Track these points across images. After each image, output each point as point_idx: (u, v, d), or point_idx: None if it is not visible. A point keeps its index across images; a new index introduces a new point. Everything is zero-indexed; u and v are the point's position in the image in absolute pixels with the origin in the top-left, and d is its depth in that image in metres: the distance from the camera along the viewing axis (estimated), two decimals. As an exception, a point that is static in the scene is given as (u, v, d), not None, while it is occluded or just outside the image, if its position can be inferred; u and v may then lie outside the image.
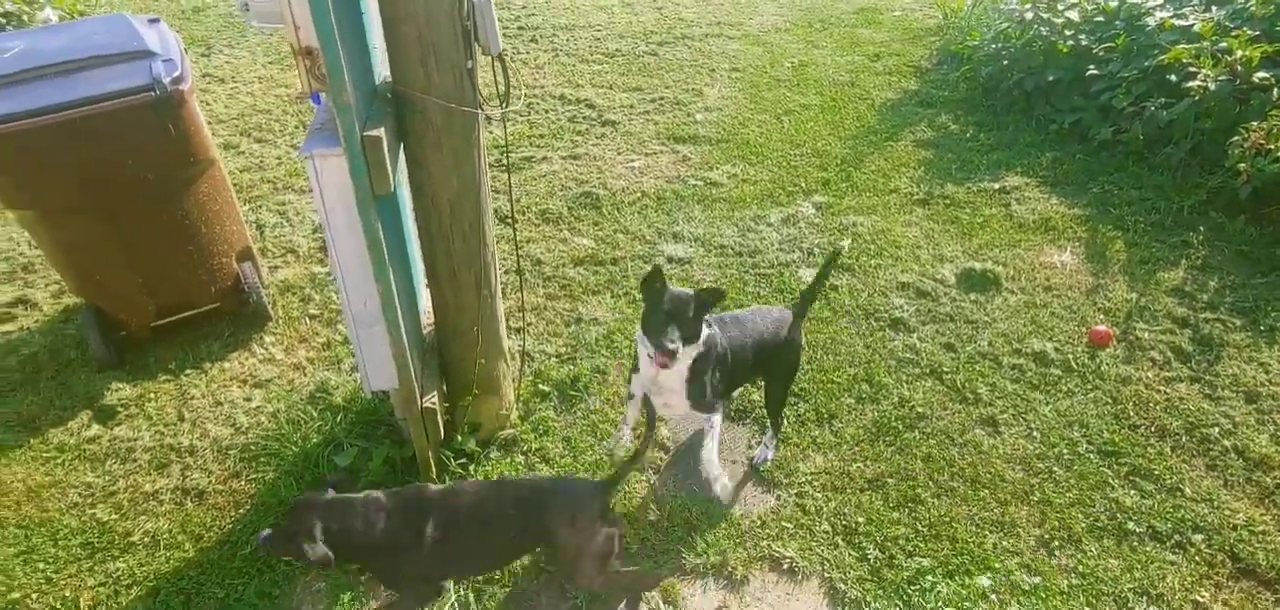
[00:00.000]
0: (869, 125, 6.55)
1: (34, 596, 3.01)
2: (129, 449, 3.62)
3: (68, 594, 3.01)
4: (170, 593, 3.01)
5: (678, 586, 3.02)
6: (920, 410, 3.79)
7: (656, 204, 5.53)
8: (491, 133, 6.52)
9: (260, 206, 5.39)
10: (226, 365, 4.09)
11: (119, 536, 3.23)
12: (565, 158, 6.17)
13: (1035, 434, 3.67)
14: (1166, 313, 4.30)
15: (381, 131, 2.48)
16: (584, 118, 6.82)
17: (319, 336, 4.29)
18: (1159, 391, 3.85)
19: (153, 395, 3.90)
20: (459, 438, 3.35)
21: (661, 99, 7.11)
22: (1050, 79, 6.16)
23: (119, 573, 3.10)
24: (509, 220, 5.34)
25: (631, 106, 6.99)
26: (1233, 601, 2.98)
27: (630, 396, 3.33)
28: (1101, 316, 4.32)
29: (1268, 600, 2.99)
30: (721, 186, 5.72)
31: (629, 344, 4.22)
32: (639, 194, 5.63)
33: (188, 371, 4.05)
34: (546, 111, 6.96)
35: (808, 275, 4.72)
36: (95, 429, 3.71)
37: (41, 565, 3.12)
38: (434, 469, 3.23)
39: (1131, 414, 3.75)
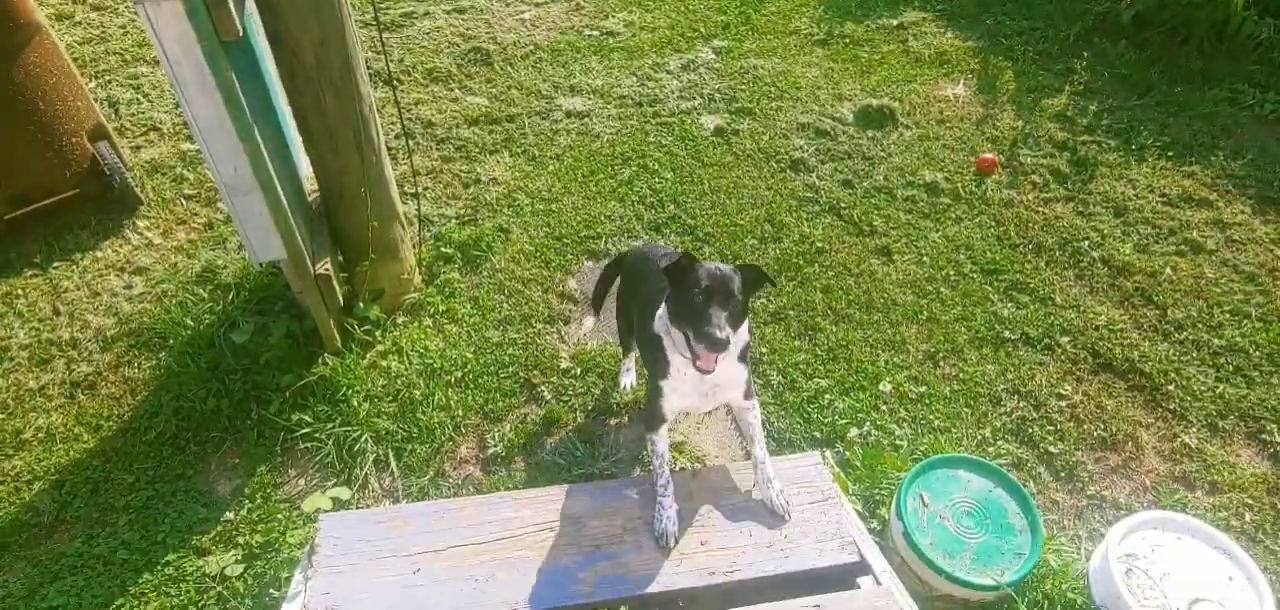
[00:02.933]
0: (771, -35, 6.38)
1: (-86, 506, 2.83)
2: (3, 348, 3.36)
3: (-46, 500, 2.85)
4: (76, 484, 2.90)
5: (590, 425, 3.11)
6: (819, 245, 3.92)
7: (551, 57, 5.30)
8: None
9: (110, 82, 4.86)
10: (99, 254, 3.79)
11: (10, 435, 3.06)
12: (449, 11, 5.78)
13: (925, 259, 3.87)
14: (1048, 138, 4.51)
15: (225, -32, 2.23)
16: (472, -33, 6.35)
17: (199, 217, 4.01)
18: (1038, 212, 4.10)
19: (20, 292, 3.60)
20: (361, 305, 3.25)
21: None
22: (947, -91, 6.10)
23: (17, 470, 2.96)
24: (392, 81, 5.04)
25: (523, -46, 6.54)
26: (1091, 391, 3.31)
27: (658, 422, 2.46)
28: (989, 145, 4.50)
29: (1121, 388, 3.34)
30: (618, 35, 5.51)
31: (530, 202, 4.14)
32: (532, 47, 5.37)
33: (56, 264, 3.73)
34: (432, -38, 6.43)
35: (709, 121, 4.69)
36: (-45, 332, 3.42)
37: (-82, 474, 2.93)
38: (338, 338, 3.15)
39: (1012, 234, 3.99)
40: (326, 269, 2.96)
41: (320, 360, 3.10)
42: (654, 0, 5.87)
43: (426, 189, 4.21)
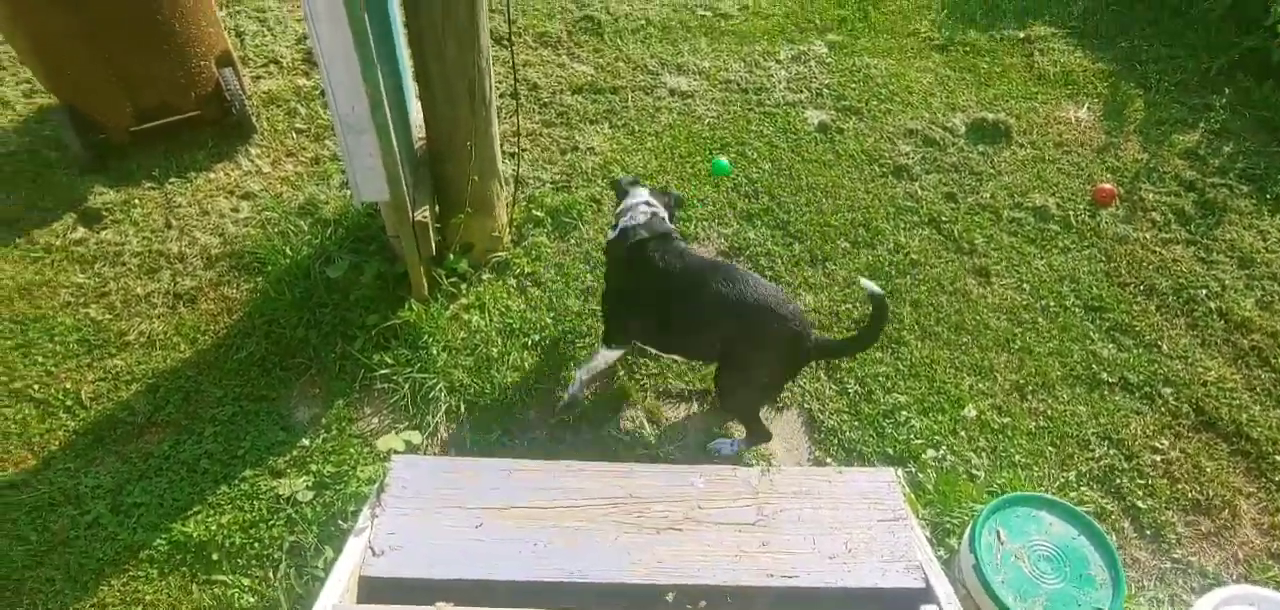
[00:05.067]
0: (891, -39, 6.14)
1: (35, 387, 3.08)
2: (117, 253, 3.60)
3: (68, 386, 3.09)
4: (169, 390, 3.09)
5: (661, 409, 3.11)
6: (915, 257, 3.78)
7: (661, 33, 5.26)
8: None
9: (239, 12, 5.10)
10: (212, 176, 4.01)
11: (114, 335, 3.28)
12: (567, -23, 5.81)
13: (1025, 286, 3.68)
14: (1174, 175, 4.21)
15: (361, -89, 2.28)
16: (588, -65, 6.36)
17: (306, 151, 4.18)
18: (1154, 252, 3.83)
19: (137, 201, 3.85)
20: (451, 257, 3.33)
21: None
22: (1090, -82, 5.72)
23: (117, 369, 3.16)
24: (505, 40, 5.11)
25: (639, -75, 6.51)
26: (1190, 450, 3.10)
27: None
28: (1108, 175, 4.23)
29: (1223, 450, 3.11)
30: (731, 18, 5.42)
31: (625, 174, 4.14)
32: (643, 21, 5.35)
33: (172, 180, 3.97)
34: (548, -75, 6.48)
35: (814, 116, 4.58)
36: (81, 232, 3.68)
37: (41, 359, 3.18)
38: (426, 286, 3.24)
39: (1123, 272, 3.74)
40: (424, 217, 3.05)
41: (406, 305, 3.19)
42: (768, -14, 5.75)
43: (526, 151, 4.27)
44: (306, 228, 3.66)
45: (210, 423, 2.97)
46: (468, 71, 2.89)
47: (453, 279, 3.34)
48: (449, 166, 3.17)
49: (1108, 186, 4.09)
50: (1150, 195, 4.10)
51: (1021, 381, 3.29)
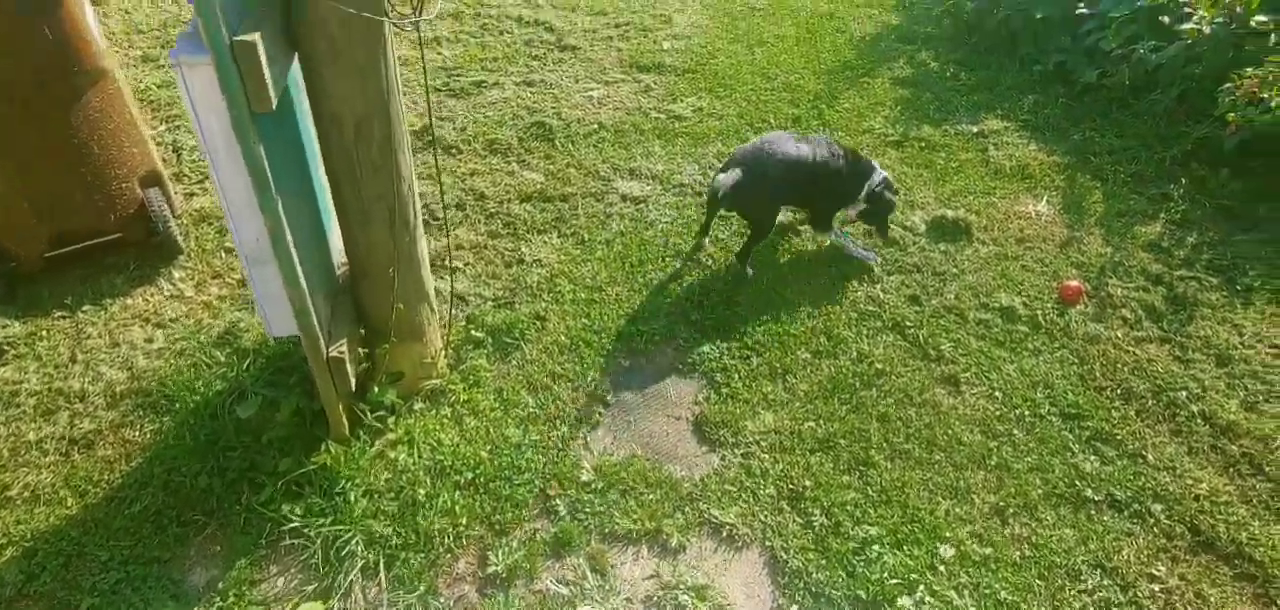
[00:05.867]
0: (846, 60, 6.18)
1: (-106, 556, 2.71)
2: (14, 393, 3.28)
3: (-67, 552, 2.72)
4: (48, 554, 2.73)
5: (607, 555, 2.80)
6: (879, 366, 3.57)
7: (614, 137, 5.16)
8: (438, 53, 6.06)
9: (179, 126, 4.93)
10: (129, 302, 3.73)
11: (-3, 489, 2.93)
12: (519, 84, 5.75)
13: (997, 394, 3.47)
14: (1141, 269, 4.08)
15: (256, 37, 2.11)
16: (542, 42, 6.36)
17: (234, 273, 3.93)
18: (1128, 352, 3.65)
19: (44, 334, 3.55)
20: (376, 388, 3.06)
21: (627, 24, 6.65)
22: (1038, 16, 5.82)
23: (-6, 530, 2.80)
24: (449, 148, 4.98)
25: (594, 31, 6.53)
26: (1189, 575, 2.84)
27: None
28: (1074, 271, 4.09)
29: (1225, 574, 2.85)
30: (685, 120, 5.35)
31: (572, 289, 3.93)
32: (596, 126, 5.26)
33: (86, 308, 3.69)
34: (502, 34, 6.48)
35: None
36: (-22, 369, 3.37)
37: (-93, 519, 2.81)
38: (346, 424, 2.95)
39: (1098, 375, 3.55)
40: (341, 351, 2.78)
41: (324, 447, 2.89)
42: (725, 88, 5.72)
43: (467, 265, 4.06)
44: (223, 359, 3.37)
45: (89, 594, 2.61)
46: (386, 197, 2.69)
47: (378, 412, 3.05)
48: (371, 294, 2.93)
49: (1074, 283, 3.94)
50: (1118, 290, 3.95)
51: (1001, 503, 3.03)
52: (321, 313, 2.74)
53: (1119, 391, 3.48)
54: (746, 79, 5.85)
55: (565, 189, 4.66)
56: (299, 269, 2.50)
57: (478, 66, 5.99)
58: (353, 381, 2.89)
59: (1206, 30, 4.79)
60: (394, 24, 2.48)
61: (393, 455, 2.99)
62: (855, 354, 3.62)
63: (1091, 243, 4.28)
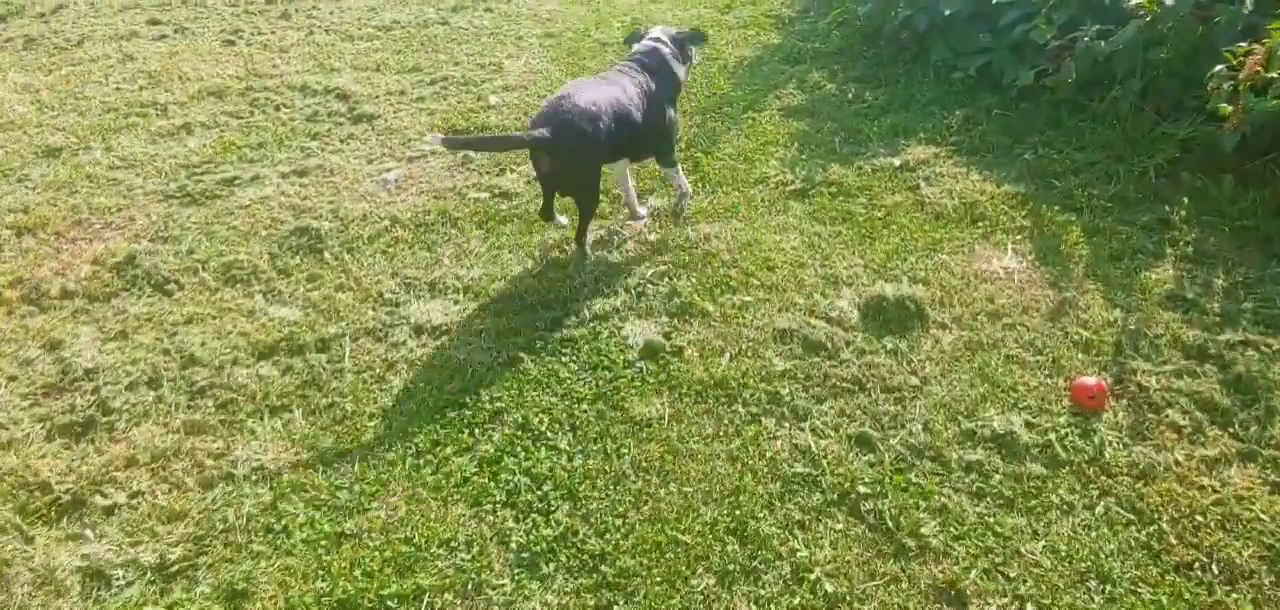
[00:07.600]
0: (723, 94, 4.88)
1: None
2: None
3: None
4: None
5: None
6: (830, 587, 2.10)
7: (413, 236, 3.61)
8: (180, 146, 4.29)
9: None
10: None
11: None
12: (286, 175, 4.14)
13: (1028, 607, 2.06)
14: (1171, 338, 2.82)
15: None
16: (329, 114, 4.78)
17: None
18: (1200, 488, 2.33)
19: None
20: None
21: (446, 79, 5.16)
22: (946, 13, 4.68)
23: None
24: (161, 285, 3.32)
25: (401, 93, 5.01)
26: None
27: None
28: (1079, 356, 2.79)
29: None
30: (515, 198, 3.87)
31: (310, 516, 2.31)
32: (387, 222, 3.69)
33: None
34: (278, 109, 4.86)
35: (635, 332, 2.96)
36: None
37: None
38: None
39: (1170, 538, 2.21)
40: None
41: None
42: (564, 147, 4.27)
43: (130, 500, 2.38)
44: None
45: None
46: None
47: None
48: None
49: (1088, 380, 2.63)
50: (1151, 380, 2.66)
51: None
52: None
53: (1216, 566, 2.14)
54: (599, 131, 4.43)
55: (327, 329, 3.06)
56: None
57: (233, 157, 4.34)
58: None
59: (1167, 2, 3.71)
60: None
61: None
62: (789, 568, 2.15)
63: (1092, 305, 3.00)
